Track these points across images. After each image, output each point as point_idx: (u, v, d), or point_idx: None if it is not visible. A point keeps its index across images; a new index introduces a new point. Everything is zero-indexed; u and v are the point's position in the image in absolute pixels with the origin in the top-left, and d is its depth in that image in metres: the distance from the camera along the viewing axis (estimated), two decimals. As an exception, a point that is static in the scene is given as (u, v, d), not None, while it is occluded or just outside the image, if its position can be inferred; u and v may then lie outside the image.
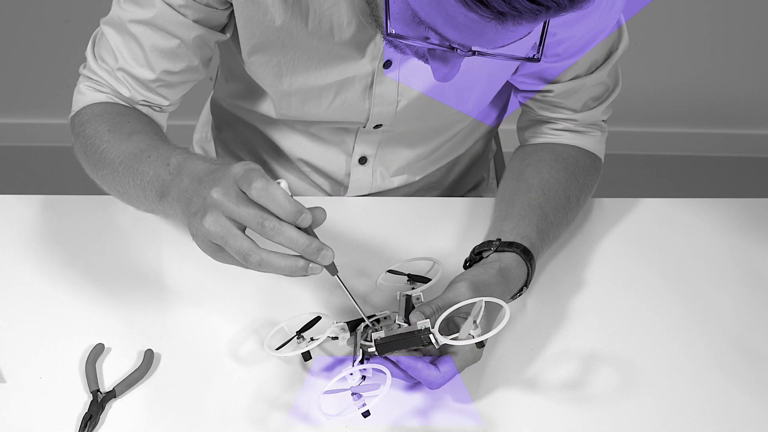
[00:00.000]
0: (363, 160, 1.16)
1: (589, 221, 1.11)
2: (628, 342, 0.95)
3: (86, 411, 0.84)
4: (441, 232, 1.07)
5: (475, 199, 1.15)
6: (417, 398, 0.88)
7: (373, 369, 0.83)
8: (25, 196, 1.09)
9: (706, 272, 1.05)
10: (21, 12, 2.28)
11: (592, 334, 0.96)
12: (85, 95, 1.01)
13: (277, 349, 0.88)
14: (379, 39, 0.96)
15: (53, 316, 0.94)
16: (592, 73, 1.05)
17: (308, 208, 0.73)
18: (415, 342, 0.81)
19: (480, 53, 0.72)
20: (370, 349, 0.82)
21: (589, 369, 0.92)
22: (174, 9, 0.94)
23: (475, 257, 0.95)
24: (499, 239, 0.95)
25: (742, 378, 0.92)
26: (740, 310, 1.00)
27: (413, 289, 0.92)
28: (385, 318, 0.88)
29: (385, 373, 0.80)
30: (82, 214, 1.07)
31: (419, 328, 0.82)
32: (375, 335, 0.83)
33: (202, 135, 1.34)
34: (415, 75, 1.01)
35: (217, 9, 0.95)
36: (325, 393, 0.82)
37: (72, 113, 1.03)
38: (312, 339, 0.88)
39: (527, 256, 0.94)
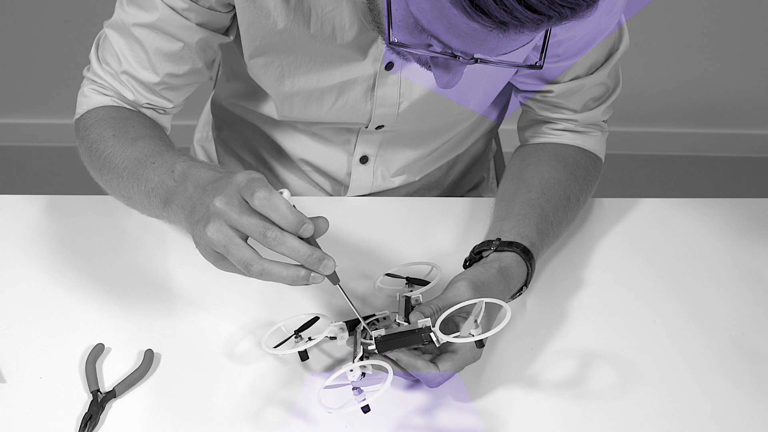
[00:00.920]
0: (364, 160, 1.16)
1: (589, 221, 1.11)
2: (628, 342, 0.95)
3: (86, 411, 0.84)
4: (441, 232, 1.07)
5: (475, 199, 1.15)
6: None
7: (373, 366, 0.83)
8: (25, 196, 1.09)
9: (706, 272, 1.05)
10: (21, 12, 2.28)
11: (592, 334, 0.96)
12: (89, 98, 1.02)
13: (275, 347, 0.88)
14: (380, 41, 0.96)
15: (53, 316, 0.94)
16: (592, 73, 1.05)
17: (310, 218, 0.74)
18: (415, 341, 0.82)
19: (482, 61, 0.73)
20: (370, 347, 0.82)
21: (589, 368, 0.92)
22: (177, 12, 0.94)
23: (474, 257, 0.95)
24: (499, 239, 0.95)
25: (741, 378, 0.92)
26: (740, 310, 1.00)
27: (412, 291, 0.92)
28: (384, 318, 0.88)
29: (386, 370, 0.80)
30: (82, 214, 1.07)
31: (420, 326, 0.82)
32: (375, 333, 0.83)
33: (202, 134, 1.35)
34: (416, 77, 1.01)
35: (220, 12, 0.95)
36: (325, 388, 0.82)
37: (76, 116, 1.03)
38: (310, 339, 0.88)
39: (527, 255, 0.94)
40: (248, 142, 1.23)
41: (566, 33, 0.97)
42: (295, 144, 1.17)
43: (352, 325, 0.89)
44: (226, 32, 0.99)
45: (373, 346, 0.82)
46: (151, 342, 0.91)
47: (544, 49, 0.75)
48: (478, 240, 0.97)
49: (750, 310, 1.00)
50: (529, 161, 1.08)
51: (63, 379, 0.88)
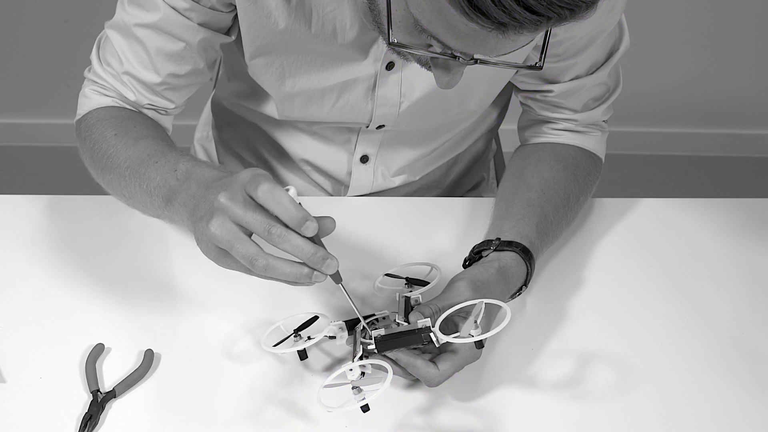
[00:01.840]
0: (364, 159, 1.16)
1: (589, 221, 1.11)
2: (628, 342, 0.95)
3: (86, 411, 0.84)
4: (441, 232, 1.07)
5: (475, 199, 1.15)
6: (416, 396, 0.88)
7: (372, 366, 0.83)
8: (25, 196, 1.09)
9: (706, 272, 1.05)
10: (21, 12, 2.28)
11: (592, 334, 0.96)
12: (91, 99, 1.02)
13: (274, 346, 0.88)
14: (381, 41, 0.96)
15: (53, 316, 0.94)
16: (592, 73, 1.05)
17: (317, 217, 0.73)
18: (415, 341, 0.82)
19: (482, 61, 0.73)
20: (369, 347, 0.82)
21: (589, 368, 0.92)
22: (179, 12, 0.94)
23: (474, 256, 0.95)
24: (499, 238, 0.95)
25: (741, 378, 0.92)
26: (739, 310, 1.00)
27: (411, 291, 0.92)
28: (383, 318, 0.88)
29: (386, 370, 0.80)
30: (82, 214, 1.07)
31: (420, 326, 0.82)
32: (375, 333, 0.83)
33: (203, 134, 1.35)
34: (417, 76, 1.01)
35: (221, 12, 0.95)
36: (324, 387, 0.82)
37: (77, 117, 1.03)
38: (309, 338, 0.88)
39: (527, 255, 0.94)
40: (248, 141, 1.23)
41: (566, 33, 0.97)
42: (295, 143, 1.17)
43: (351, 325, 0.89)
44: (227, 32, 0.99)
45: (373, 346, 0.82)
46: (151, 342, 0.91)
47: (544, 49, 0.75)
48: (478, 240, 0.97)
49: (750, 310, 1.00)
50: (529, 161, 1.08)
51: (63, 379, 0.88)
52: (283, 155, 1.20)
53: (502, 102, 1.22)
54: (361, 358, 0.83)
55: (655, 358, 0.93)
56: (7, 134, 2.52)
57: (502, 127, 1.32)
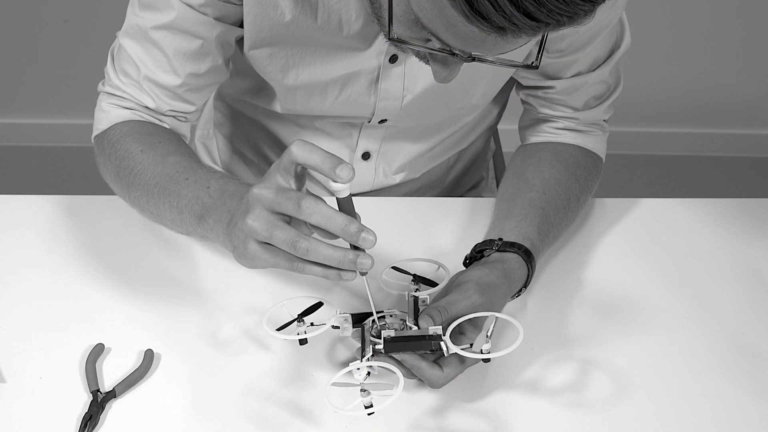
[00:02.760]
0: (366, 156, 1.16)
1: (589, 221, 1.11)
2: (628, 341, 0.95)
3: (86, 411, 0.84)
4: (441, 232, 1.07)
5: (475, 199, 1.15)
6: (419, 398, 0.88)
7: (380, 367, 0.82)
8: (25, 196, 1.09)
9: (706, 272, 1.05)
10: (21, 12, 2.28)
11: (592, 334, 0.96)
12: (108, 113, 1.01)
13: (278, 329, 0.86)
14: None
15: (53, 316, 0.94)
16: (594, 70, 1.05)
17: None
18: (424, 347, 0.81)
19: (480, 59, 0.73)
20: (377, 346, 0.82)
21: (589, 368, 0.92)
22: (194, 9, 0.93)
23: (476, 255, 0.95)
24: (501, 238, 0.95)
25: (741, 378, 0.92)
26: (740, 310, 1.00)
27: (418, 290, 0.92)
28: (391, 315, 0.88)
29: (396, 375, 0.79)
30: (82, 214, 1.07)
31: (431, 333, 0.81)
32: (385, 333, 0.83)
33: (204, 132, 1.35)
34: (420, 70, 1.01)
35: (235, 4, 0.95)
36: (332, 385, 0.82)
37: (96, 132, 1.03)
38: (312, 324, 0.87)
39: (528, 257, 0.94)
40: (250, 138, 1.23)
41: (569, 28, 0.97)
42: None
43: (356, 319, 0.88)
44: (242, 25, 0.99)
45: (381, 346, 0.82)
46: (151, 342, 0.91)
47: (540, 49, 0.75)
48: (478, 240, 0.97)
49: (750, 310, 1.00)
50: (530, 161, 1.08)
51: (63, 379, 0.88)
52: (286, 152, 1.19)
53: (502, 99, 1.22)
54: (368, 358, 0.82)
55: (655, 358, 0.93)
56: (7, 134, 2.52)
57: (502, 127, 1.33)
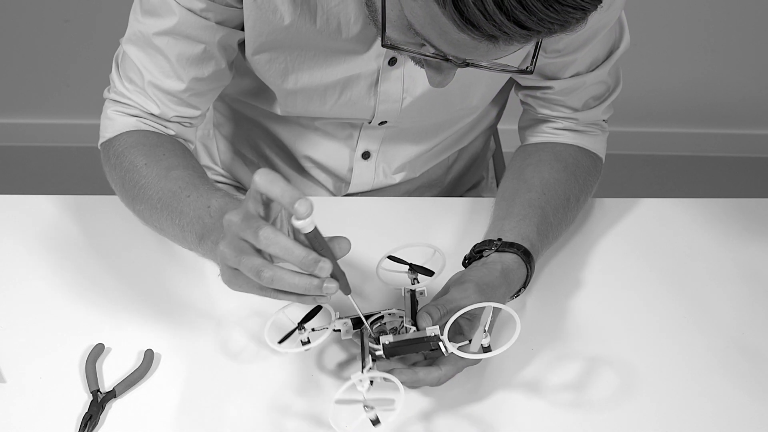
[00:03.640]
0: (366, 156, 1.16)
1: (589, 221, 1.11)
2: (628, 342, 0.95)
3: (86, 411, 0.84)
4: (441, 232, 1.07)
5: (475, 199, 1.15)
6: (417, 399, 0.88)
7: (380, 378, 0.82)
8: (25, 196, 1.09)
9: (706, 272, 1.05)
10: (21, 12, 2.28)
11: (592, 334, 0.96)
12: (114, 121, 1.01)
13: (280, 342, 0.86)
14: None
15: (53, 316, 0.94)
16: (593, 70, 1.05)
17: (331, 238, 0.72)
18: (423, 348, 0.82)
19: (473, 64, 0.73)
20: (378, 353, 0.82)
21: (589, 368, 0.92)
22: (195, 14, 0.94)
23: (475, 255, 0.95)
24: (500, 239, 0.95)
25: (741, 378, 0.92)
26: (739, 310, 1.00)
27: (415, 280, 0.91)
28: (389, 315, 0.87)
29: (396, 387, 0.79)
30: (83, 214, 1.07)
31: (429, 334, 0.81)
32: (384, 339, 0.83)
33: (204, 132, 1.34)
34: (419, 72, 1.01)
35: (236, 8, 0.95)
36: (336, 402, 0.82)
37: (102, 140, 1.03)
38: (313, 330, 0.87)
39: (527, 257, 0.94)
40: (250, 138, 1.23)
41: None
42: (297, 140, 1.17)
43: (356, 322, 0.88)
44: (243, 28, 0.99)
45: (381, 352, 0.82)
46: (151, 342, 0.91)
47: (535, 54, 0.75)
48: (478, 240, 0.97)
49: (750, 310, 1.00)
50: (529, 161, 1.08)
51: (63, 379, 0.88)
52: (285, 152, 1.20)
53: (501, 99, 1.22)
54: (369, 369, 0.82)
55: (654, 358, 0.93)
56: (7, 134, 2.52)
57: (502, 126, 1.32)
